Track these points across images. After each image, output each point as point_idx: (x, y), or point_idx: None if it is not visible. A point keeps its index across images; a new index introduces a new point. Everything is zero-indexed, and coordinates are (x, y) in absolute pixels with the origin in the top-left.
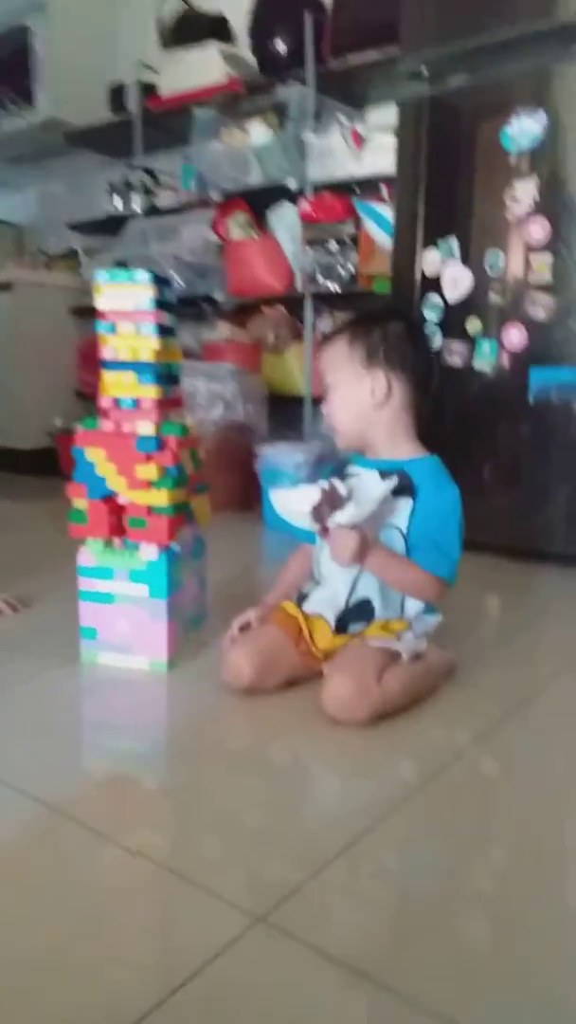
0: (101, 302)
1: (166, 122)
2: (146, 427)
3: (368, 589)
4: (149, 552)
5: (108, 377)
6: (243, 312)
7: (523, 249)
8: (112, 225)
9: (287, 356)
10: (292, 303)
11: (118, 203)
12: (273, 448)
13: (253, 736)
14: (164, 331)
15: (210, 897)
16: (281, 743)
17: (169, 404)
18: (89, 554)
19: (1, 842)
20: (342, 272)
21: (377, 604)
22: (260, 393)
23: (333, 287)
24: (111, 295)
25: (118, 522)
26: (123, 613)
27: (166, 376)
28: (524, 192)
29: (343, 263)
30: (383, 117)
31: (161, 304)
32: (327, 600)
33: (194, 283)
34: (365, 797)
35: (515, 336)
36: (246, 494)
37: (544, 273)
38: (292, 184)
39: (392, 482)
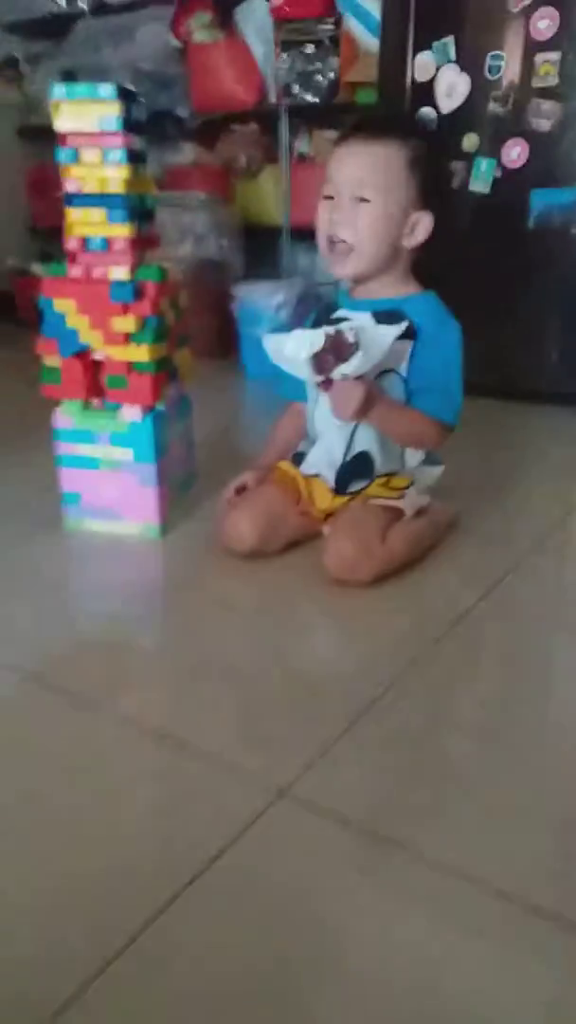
0: (59, 123)
1: None
2: (120, 272)
3: (366, 442)
4: (132, 413)
5: (73, 214)
6: (210, 131)
7: (527, 48)
8: (56, 26)
9: (261, 181)
10: (265, 119)
11: None
12: (250, 287)
13: (256, 599)
14: (135, 157)
15: (227, 771)
16: (286, 605)
17: (144, 243)
18: (66, 416)
19: None
20: (321, 80)
21: (377, 458)
22: (234, 225)
23: (311, 98)
24: (71, 114)
25: (95, 380)
26: (109, 478)
27: (139, 211)
28: None
29: (322, 70)
30: None
31: (130, 124)
32: (324, 458)
33: (154, 96)
34: (377, 657)
35: (516, 152)
36: (222, 339)
37: (550, 76)
38: None
39: (400, 327)
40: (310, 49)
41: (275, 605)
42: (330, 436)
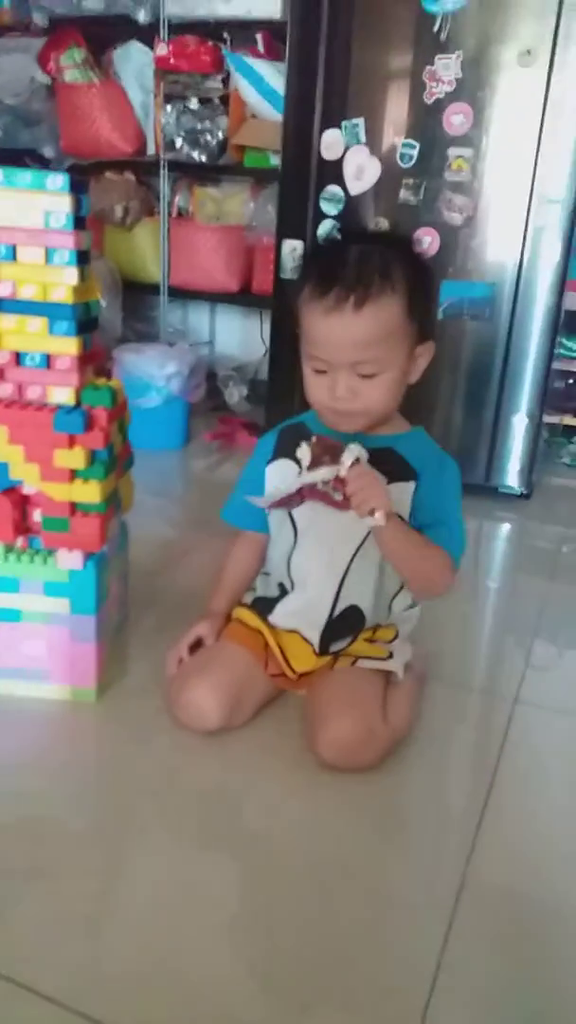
0: None
1: None
2: (64, 395)
3: (358, 593)
4: (71, 560)
5: (3, 321)
6: (79, 175)
7: (440, 140)
8: None
9: (136, 234)
10: (142, 169)
11: None
12: (135, 353)
13: (220, 784)
14: (82, 258)
15: None
16: (261, 795)
17: (88, 359)
18: None
19: None
20: (209, 140)
21: (368, 610)
22: (112, 280)
23: (197, 156)
24: (8, 205)
25: (23, 518)
26: (35, 633)
27: (84, 321)
28: (446, 69)
29: (211, 128)
30: None
31: (78, 220)
32: (304, 611)
33: (15, 133)
34: (411, 881)
35: (427, 242)
36: None
37: (463, 171)
38: (142, 17)
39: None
40: (195, 104)
41: (255, 801)
42: (315, 586)
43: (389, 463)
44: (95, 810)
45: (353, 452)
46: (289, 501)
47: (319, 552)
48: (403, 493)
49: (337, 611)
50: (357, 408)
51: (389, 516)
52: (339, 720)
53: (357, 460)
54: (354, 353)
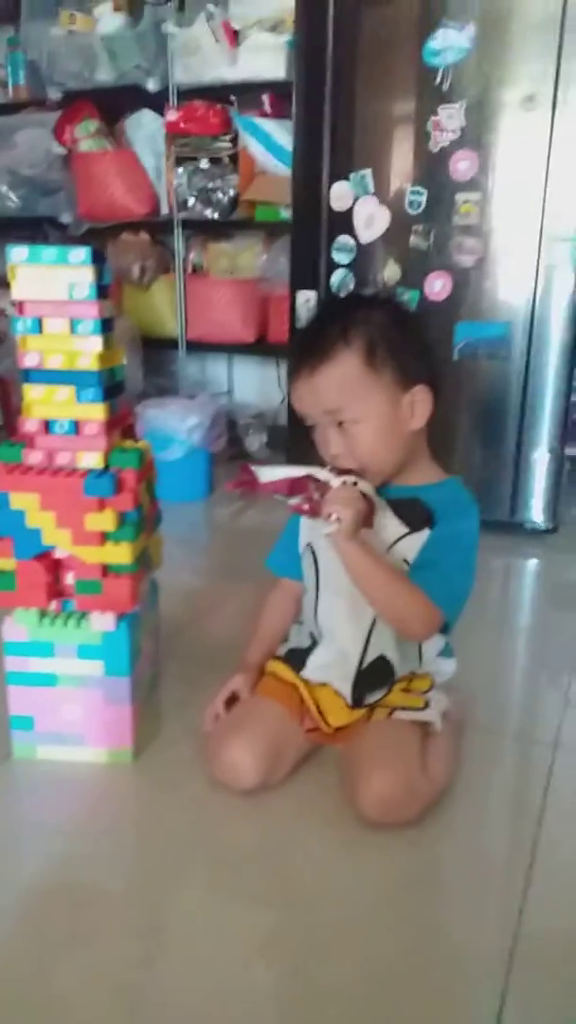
0: (18, 290)
1: None
2: (93, 459)
3: (383, 645)
4: (105, 622)
5: (32, 391)
6: (96, 238)
7: (449, 185)
8: None
9: (154, 292)
10: (157, 229)
11: None
12: (157, 407)
13: (258, 843)
14: (106, 325)
15: None
16: (309, 858)
17: (115, 423)
18: (18, 627)
19: None
20: (221, 197)
21: (395, 660)
22: (131, 338)
23: (209, 213)
24: (33, 280)
25: (55, 582)
26: (70, 697)
27: (110, 387)
28: (450, 119)
29: (221, 187)
30: (261, 9)
31: (101, 289)
32: (334, 663)
33: (34, 202)
34: (461, 935)
35: (439, 284)
36: None
37: (471, 214)
38: (152, 86)
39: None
40: (205, 164)
41: (285, 851)
42: (342, 637)
43: (413, 512)
44: (134, 872)
45: (355, 478)
46: (282, 488)
47: (340, 602)
48: (417, 542)
49: (366, 662)
50: (354, 464)
51: (348, 532)
52: (378, 775)
53: (355, 483)
54: (320, 407)
